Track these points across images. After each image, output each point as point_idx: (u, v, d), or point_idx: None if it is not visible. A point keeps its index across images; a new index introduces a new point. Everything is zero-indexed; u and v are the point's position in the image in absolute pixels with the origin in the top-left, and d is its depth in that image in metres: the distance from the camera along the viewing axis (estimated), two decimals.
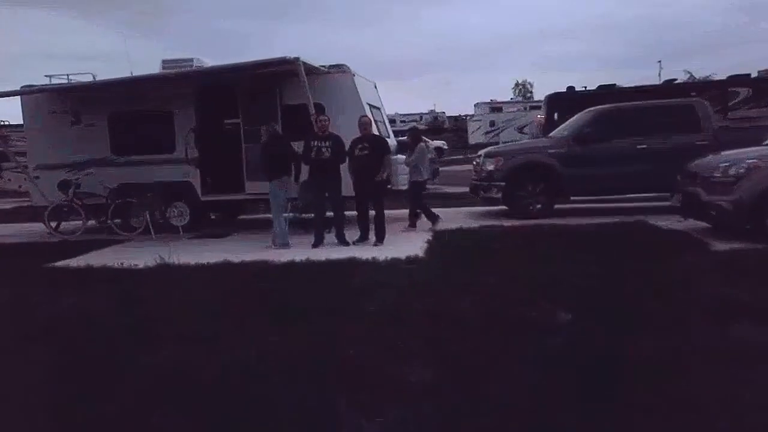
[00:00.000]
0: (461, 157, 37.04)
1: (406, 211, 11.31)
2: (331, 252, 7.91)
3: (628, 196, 11.09)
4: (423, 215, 9.98)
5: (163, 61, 11.37)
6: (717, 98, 19.68)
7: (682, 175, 8.28)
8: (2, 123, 23.88)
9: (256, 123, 10.52)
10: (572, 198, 10.81)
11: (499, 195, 10.56)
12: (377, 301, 5.33)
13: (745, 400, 3.27)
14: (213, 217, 12.21)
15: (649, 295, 5.22)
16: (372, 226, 8.69)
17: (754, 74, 24.78)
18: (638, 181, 10.12)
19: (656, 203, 11.00)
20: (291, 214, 10.36)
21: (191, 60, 11.32)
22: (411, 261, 7.05)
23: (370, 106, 10.97)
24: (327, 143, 8.50)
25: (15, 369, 4.21)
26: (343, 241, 8.63)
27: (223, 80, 10.61)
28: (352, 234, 8.76)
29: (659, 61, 63.98)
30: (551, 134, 11.44)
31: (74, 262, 8.04)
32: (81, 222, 10.99)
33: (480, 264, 6.64)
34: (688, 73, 39.20)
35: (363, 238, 8.71)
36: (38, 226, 11.45)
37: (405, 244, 8.30)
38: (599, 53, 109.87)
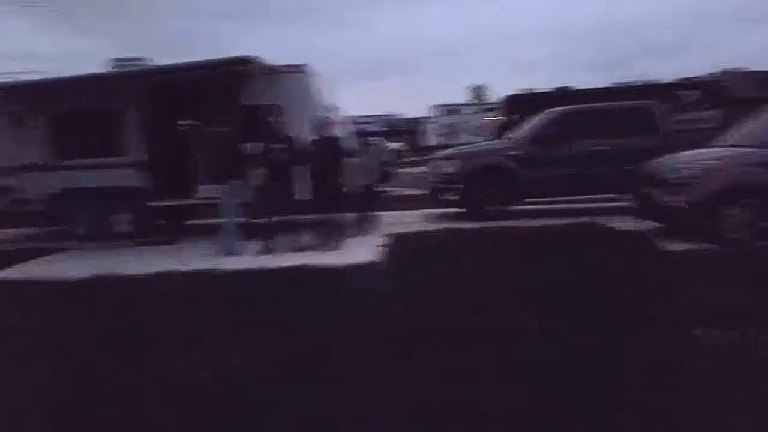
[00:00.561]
0: (418, 159, 37.14)
1: (362, 215, 11.14)
2: (284, 258, 7.61)
3: (584, 197, 11.13)
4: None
5: (114, 60, 10.89)
6: (668, 101, 20.16)
7: (638, 177, 8.31)
8: None
9: (210, 124, 10.16)
10: (529, 199, 10.75)
11: (457, 197, 10.45)
12: (333, 311, 5.09)
13: (709, 402, 3.16)
14: (162, 222, 11.67)
15: (609, 298, 5.12)
16: (328, 231, 8.42)
17: (702, 78, 25.58)
18: (595, 182, 10.15)
19: (611, 204, 11.10)
20: (243, 219, 10.02)
21: (144, 59, 10.86)
22: (368, 266, 6.82)
23: (329, 106, 10.70)
24: (283, 145, 8.21)
25: None
26: (296, 247, 8.33)
27: (176, 81, 10.16)
28: (307, 240, 8.48)
29: (613, 65, 65.58)
30: (510, 136, 11.40)
31: (3, 275, 7.51)
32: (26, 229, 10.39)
33: (439, 268, 6.46)
34: (640, 76, 40.35)
35: (319, 243, 8.43)
36: None
37: (362, 248, 8.07)
38: (555, 58, 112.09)
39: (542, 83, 29.96)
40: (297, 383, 3.65)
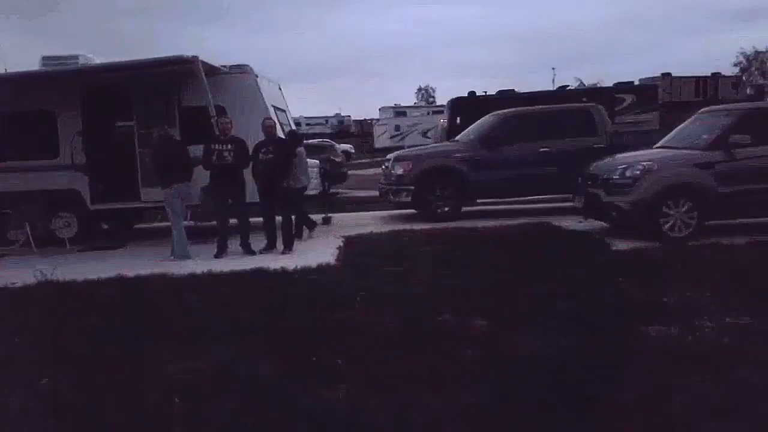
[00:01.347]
0: (368, 161, 37.16)
1: (314, 216, 11.05)
2: (235, 262, 7.48)
3: (532, 198, 11.38)
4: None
5: (43, 58, 10.35)
6: (605, 104, 20.95)
7: (583, 177, 8.56)
8: None
9: (151, 126, 9.84)
10: (479, 200, 10.91)
11: (409, 198, 10.50)
12: (288, 315, 5.02)
13: (655, 397, 3.28)
14: (106, 227, 11.26)
15: (561, 297, 5.25)
16: (282, 234, 8.30)
17: (636, 82, 26.64)
18: (541, 183, 10.40)
19: (558, 204, 11.39)
20: (191, 222, 9.78)
21: (76, 57, 10.39)
22: (322, 269, 6.76)
23: (275, 108, 10.55)
24: (229, 147, 8.03)
25: None
26: (248, 250, 8.19)
27: (115, 80, 9.80)
28: (258, 243, 8.35)
29: (553, 68, 67.51)
30: (457, 138, 11.55)
31: None
32: None
33: (392, 271, 6.47)
34: (579, 80, 41.67)
35: (270, 247, 8.31)
36: None
37: (315, 251, 8.00)
38: (495, 61, 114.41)
39: (484, 86, 30.38)
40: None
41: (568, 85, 35.55)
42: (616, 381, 3.54)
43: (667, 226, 7.49)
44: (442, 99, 66.16)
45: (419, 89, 75.65)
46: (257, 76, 10.02)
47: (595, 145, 10.38)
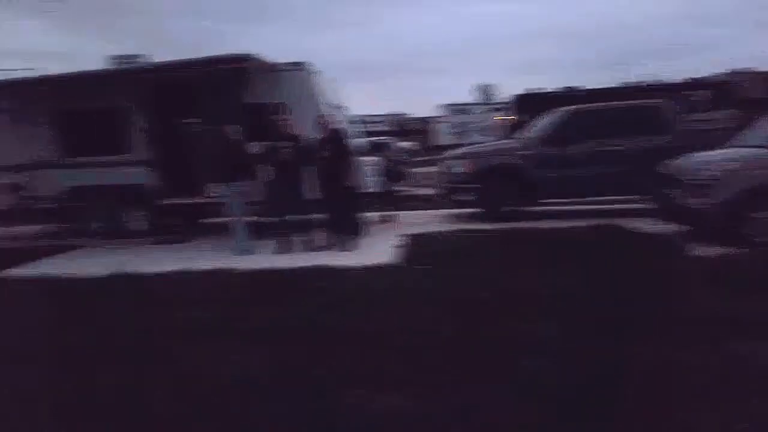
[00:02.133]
0: (428, 158, 36.94)
1: (373, 214, 11.03)
2: (296, 259, 7.51)
3: (599, 198, 10.93)
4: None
5: (111, 57, 10.79)
6: (677, 101, 20.03)
7: (656, 178, 8.14)
8: None
9: (214, 123, 10.06)
10: (543, 201, 10.57)
11: (469, 197, 10.31)
12: (347, 316, 4.97)
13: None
14: (173, 221, 11.58)
15: (638, 306, 4.96)
16: (342, 231, 8.29)
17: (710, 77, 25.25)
18: (608, 183, 9.98)
19: (625, 206, 10.92)
20: (254, 218, 9.93)
21: (142, 56, 10.76)
22: (381, 269, 6.69)
23: (334, 105, 10.58)
24: (288, 144, 8.10)
25: None
26: (309, 247, 8.23)
27: (180, 78, 10.06)
28: (319, 240, 8.38)
29: (623, 65, 64.81)
30: (520, 135, 11.24)
31: (18, 272, 7.44)
32: (36, 227, 10.35)
33: (454, 272, 6.33)
34: (648, 76, 40.02)
35: (331, 244, 8.32)
36: None
37: (375, 250, 7.95)
38: (560, 57, 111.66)
39: (548, 83, 29.62)
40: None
41: (639, 82, 34.34)
42: (704, 407, 3.26)
43: (752, 230, 6.99)
44: (503, 96, 65.25)
45: (479, 86, 74.58)
46: (313, 73, 10.07)
47: (665, 143, 9.88)
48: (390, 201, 11.56)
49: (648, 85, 29.35)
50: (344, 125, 11.13)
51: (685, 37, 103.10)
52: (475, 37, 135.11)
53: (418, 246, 8.06)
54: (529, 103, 28.99)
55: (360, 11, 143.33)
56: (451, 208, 11.67)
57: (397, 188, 15.06)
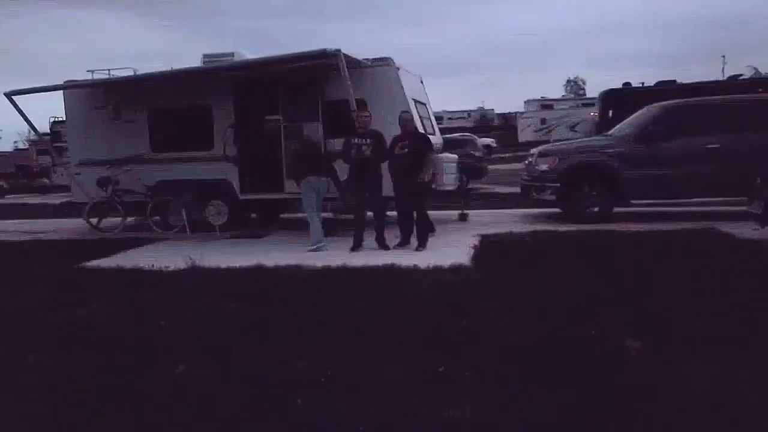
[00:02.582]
0: (510, 155, 36.09)
1: (450, 213, 10.78)
2: (369, 257, 7.39)
3: (694, 200, 10.13)
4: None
5: (204, 56, 11.04)
6: None
7: (763, 179, 7.40)
8: (56, 119, 24.45)
9: (296, 120, 10.16)
10: (633, 202, 9.91)
11: (553, 197, 9.81)
12: (417, 318, 4.77)
13: None
14: (254, 216, 11.84)
15: (733, 319, 4.47)
16: (418, 229, 8.10)
17: None
18: (708, 184, 9.21)
19: (725, 208, 10.09)
20: (330, 214, 9.94)
21: (231, 54, 10.96)
22: (455, 270, 6.44)
23: (416, 101, 10.39)
24: (368, 141, 7.98)
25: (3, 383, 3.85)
26: (383, 245, 8.10)
27: (263, 75, 10.21)
28: (393, 238, 8.22)
29: (723, 56, 60.37)
30: (611, 132, 10.59)
31: (106, 263, 7.77)
32: (120, 219, 10.86)
33: (533, 276, 5.98)
34: (753, 68, 37.03)
35: (404, 243, 8.15)
36: (82, 222, 11.29)
37: (449, 249, 7.70)
38: (653, 51, 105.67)
39: (640, 78, 28.01)
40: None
41: (741, 75, 31.80)
42: None
43: None
44: (592, 91, 62.84)
45: (568, 81, 72.29)
46: (399, 69, 9.91)
47: None
48: (468, 199, 11.26)
49: (751, 79, 27.23)
50: (426, 122, 10.95)
51: None
52: (566, 30, 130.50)
53: (494, 247, 7.75)
54: (616, 100, 27.68)
55: (446, 7, 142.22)
56: (533, 208, 11.22)
57: (476, 185, 14.73)
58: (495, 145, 39.30)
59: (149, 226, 10.56)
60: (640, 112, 10.37)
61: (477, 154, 17.49)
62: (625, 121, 10.63)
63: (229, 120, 10.47)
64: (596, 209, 9.59)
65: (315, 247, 8.25)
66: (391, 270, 6.55)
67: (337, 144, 8.73)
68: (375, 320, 4.74)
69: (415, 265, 6.63)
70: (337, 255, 7.62)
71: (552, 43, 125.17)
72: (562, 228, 8.94)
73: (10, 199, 22.35)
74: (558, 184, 9.66)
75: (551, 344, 4.11)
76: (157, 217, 10.62)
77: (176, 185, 10.44)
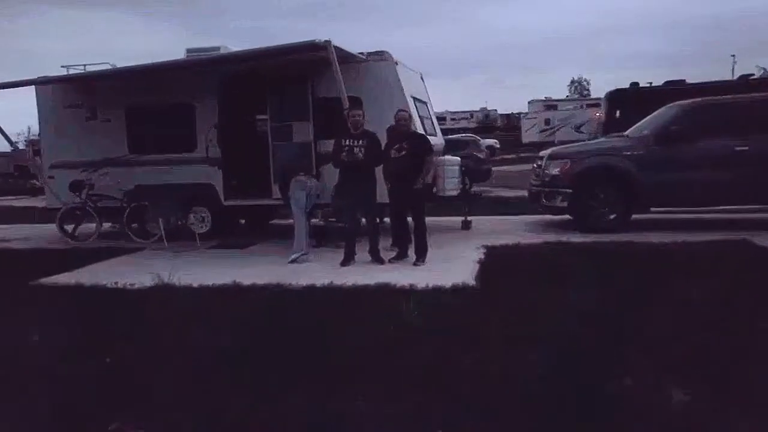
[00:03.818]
0: (514, 156, 35.28)
1: (452, 220, 9.97)
2: (360, 273, 6.56)
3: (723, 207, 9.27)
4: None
5: (187, 50, 10.18)
6: None
7: None
8: None
9: (285, 119, 9.33)
10: (653, 209, 9.06)
11: (565, 203, 8.94)
12: (412, 354, 3.95)
13: None
14: (239, 223, 11.00)
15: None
16: (417, 240, 7.25)
17: None
18: (737, 190, 8.37)
19: (751, 215, 9.25)
20: (321, 221, 9.13)
21: (218, 48, 10.11)
22: (458, 291, 5.61)
23: (415, 99, 9.56)
24: (360, 142, 7.13)
25: None
26: (377, 259, 7.26)
27: (249, 71, 9.38)
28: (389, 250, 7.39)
29: (733, 56, 59.06)
30: (627, 133, 9.73)
31: (65, 279, 6.94)
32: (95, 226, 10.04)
33: (547, 299, 5.14)
34: (762, 68, 36.15)
35: (401, 256, 7.30)
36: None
37: (451, 264, 6.87)
38: (658, 51, 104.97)
39: (645, 78, 27.22)
40: None
41: (752, 74, 30.89)
42: None
43: None
44: (596, 92, 62.01)
45: (572, 81, 71.55)
46: (397, 64, 9.07)
47: None
48: (472, 205, 10.42)
49: (763, 79, 26.32)
50: (427, 121, 10.11)
51: None
52: (569, 30, 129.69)
53: (502, 262, 6.91)
54: (624, 100, 26.88)
55: (448, 8, 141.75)
56: (541, 214, 10.38)
57: (480, 190, 13.92)
58: (498, 146, 38.44)
59: (125, 235, 9.74)
60: (659, 111, 9.53)
61: (480, 155, 16.64)
62: (643, 121, 9.77)
63: (213, 119, 9.64)
64: (612, 217, 8.74)
65: (296, 256, 7.47)
66: (384, 290, 5.73)
67: (330, 145, 7.91)
68: (362, 357, 3.92)
69: (412, 285, 5.79)
70: (324, 270, 6.79)
71: (553, 44, 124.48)
72: (576, 239, 8.10)
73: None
74: (570, 190, 8.80)
75: (576, 395, 3.28)
76: (135, 225, 9.80)
77: (156, 190, 9.62)
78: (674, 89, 24.66)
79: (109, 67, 10.06)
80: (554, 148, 9.99)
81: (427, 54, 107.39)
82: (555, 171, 9.06)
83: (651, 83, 27.95)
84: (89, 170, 9.95)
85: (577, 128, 37.70)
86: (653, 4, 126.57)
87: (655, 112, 9.61)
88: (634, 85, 27.52)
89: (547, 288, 5.47)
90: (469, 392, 3.38)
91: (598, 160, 8.96)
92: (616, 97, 27.29)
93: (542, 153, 9.89)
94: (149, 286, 6.20)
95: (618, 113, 26.95)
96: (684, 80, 26.19)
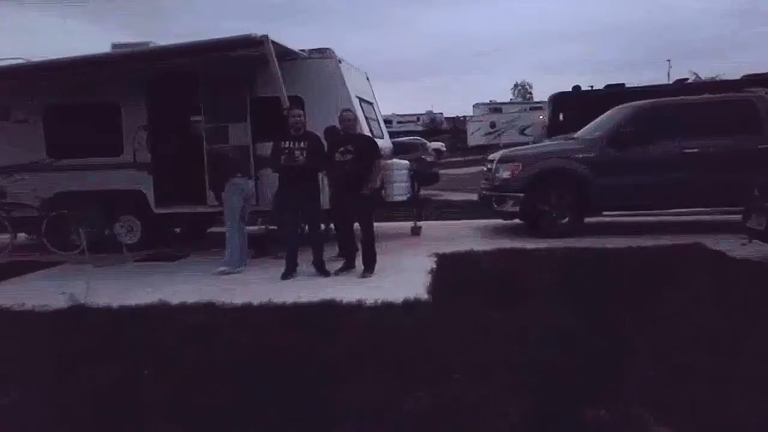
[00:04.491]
0: (460, 159, 35.27)
1: (399, 225, 9.54)
2: (303, 287, 6.01)
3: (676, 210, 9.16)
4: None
5: (113, 45, 9.32)
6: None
7: (761, 189, 6.42)
8: None
9: (221, 120, 8.65)
10: (606, 213, 8.87)
11: (516, 208, 8.62)
12: (360, 388, 3.43)
13: None
14: (171, 233, 10.18)
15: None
16: (364, 249, 6.71)
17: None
18: (686, 192, 8.25)
19: (711, 217, 9.20)
20: (262, 227, 8.53)
21: (147, 44, 9.33)
22: (410, 307, 5.11)
23: (361, 99, 9.06)
24: (301, 145, 6.57)
25: None
26: (322, 271, 6.71)
27: (181, 68, 8.64)
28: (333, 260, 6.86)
29: (668, 60, 60.96)
30: (577, 135, 9.53)
31: None
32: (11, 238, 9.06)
33: (505, 316, 4.72)
34: (694, 73, 37.45)
35: (347, 267, 6.78)
36: None
37: (401, 276, 6.40)
38: (596, 56, 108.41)
39: (583, 82, 27.82)
40: None
41: (687, 79, 31.85)
42: None
43: None
44: (539, 96, 63.14)
45: (515, 85, 72.64)
46: (341, 62, 8.55)
47: (760, 145, 8.13)
48: (422, 210, 10.01)
49: (699, 83, 27.13)
50: (373, 123, 9.64)
51: (729, 35, 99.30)
52: (511, 36, 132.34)
53: (455, 271, 6.48)
54: (567, 103, 27.24)
55: (395, 12, 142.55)
56: (491, 219, 10.06)
57: (428, 194, 13.55)
58: (444, 149, 38.39)
59: (45, 248, 8.83)
60: (611, 112, 9.36)
61: (429, 159, 16.28)
62: (593, 123, 9.59)
63: (142, 120, 8.86)
64: (564, 221, 8.48)
65: (227, 269, 6.88)
66: (329, 308, 5.19)
67: (269, 148, 7.30)
68: (299, 396, 3.38)
69: (359, 301, 5.28)
70: (263, 285, 6.21)
71: (498, 49, 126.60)
72: (530, 245, 7.77)
73: None
74: (522, 194, 8.49)
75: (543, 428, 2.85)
76: (55, 236, 8.89)
77: (78, 198, 8.78)
78: (615, 92, 25.21)
79: (23, 62, 9.13)
80: (504, 151, 9.68)
81: (374, 57, 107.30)
82: (505, 174, 8.73)
83: (592, 87, 28.51)
84: (1, 176, 8.98)
85: (522, 131, 38.09)
86: (587, 12, 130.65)
87: (606, 114, 9.44)
88: (577, 88, 27.94)
89: (505, 302, 5.05)
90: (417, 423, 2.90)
91: (549, 163, 8.69)
92: (559, 100, 27.63)
93: (492, 156, 9.57)
94: (60, 309, 5.45)
95: (562, 116, 27.42)
96: (623, 84, 26.80)
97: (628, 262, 6.67)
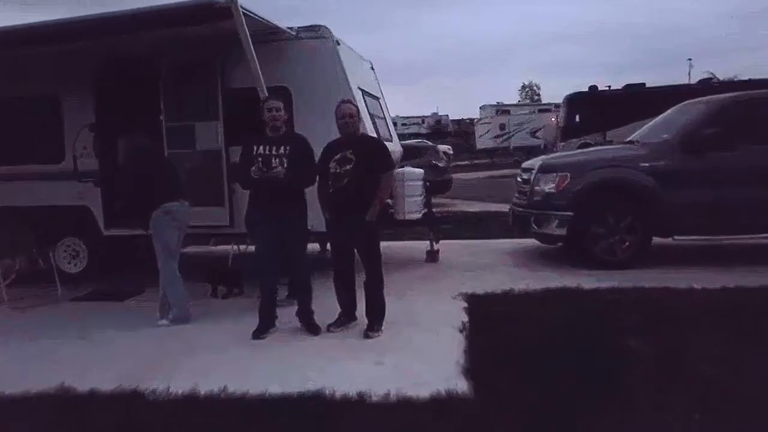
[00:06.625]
0: (468, 163, 33.38)
1: (410, 244, 7.69)
2: (281, 358, 4.13)
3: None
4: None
5: None
6: None
7: None
8: None
9: (185, 117, 6.79)
10: (680, 237, 6.90)
11: (563, 230, 6.70)
12: None
13: None
14: (123, 260, 8.22)
15: None
16: (368, 294, 4.81)
17: None
18: None
19: None
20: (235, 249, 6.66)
21: None
22: (441, 407, 3.23)
23: (364, 92, 7.16)
24: (282, 150, 4.67)
25: None
26: (310, 326, 4.79)
27: (136, 51, 6.78)
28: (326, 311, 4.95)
29: (689, 59, 58.40)
30: (635, 138, 7.60)
31: None
32: None
33: (594, 417, 2.84)
34: (710, 73, 35.57)
35: (345, 320, 4.86)
36: None
37: (422, 338, 4.49)
38: (596, 58, 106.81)
39: (591, 84, 26.02)
40: None
41: (711, 78, 29.96)
42: None
43: None
44: (547, 97, 61.30)
45: (523, 86, 70.95)
46: (338, 43, 6.66)
47: None
48: (438, 229, 8.10)
49: (727, 82, 25.23)
50: (381, 122, 7.77)
51: (728, 37, 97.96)
52: (517, 37, 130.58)
53: (493, 329, 4.56)
54: (583, 103, 25.41)
55: (400, 14, 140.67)
56: (519, 237, 8.19)
57: (440, 205, 11.66)
58: (451, 152, 36.51)
59: None
60: (676, 110, 7.45)
61: (440, 164, 14.37)
62: (653, 124, 7.68)
63: (87, 119, 7.01)
64: (625, 246, 6.57)
65: (168, 321, 5.05)
66: (314, 410, 3.30)
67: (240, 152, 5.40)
68: None
69: (361, 396, 3.39)
70: (223, 351, 4.32)
71: (505, 51, 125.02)
72: (584, 281, 5.86)
73: None
74: (571, 213, 6.59)
75: None
76: None
77: (9, 215, 6.93)
78: (634, 93, 23.41)
79: None
80: (546, 158, 7.78)
81: (379, 59, 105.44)
82: (549, 187, 6.82)
83: (609, 86, 26.66)
84: None
85: (533, 133, 36.23)
86: (589, 14, 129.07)
87: (671, 112, 7.53)
88: (593, 88, 26.11)
89: (585, 387, 3.15)
90: None
91: (605, 173, 6.72)
92: (575, 101, 25.81)
93: (528, 164, 7.64)
94: None
95: (578, 117, 25.57)
96: (644, 84, 24.98)
97: (734, 309, 4.77)
